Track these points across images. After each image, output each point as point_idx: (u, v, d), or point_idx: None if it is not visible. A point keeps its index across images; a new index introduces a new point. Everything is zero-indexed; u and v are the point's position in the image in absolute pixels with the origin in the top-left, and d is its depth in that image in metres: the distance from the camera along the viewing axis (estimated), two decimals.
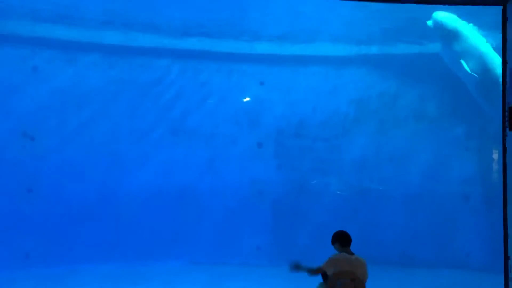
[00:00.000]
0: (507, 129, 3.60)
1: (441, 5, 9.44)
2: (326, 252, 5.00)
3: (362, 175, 11.35)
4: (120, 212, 11.02)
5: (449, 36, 10.37)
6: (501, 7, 3.77)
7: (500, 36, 3.83)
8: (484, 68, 10.24)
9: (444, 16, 10.31)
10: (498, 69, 9.37)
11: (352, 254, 4.88)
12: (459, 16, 10.41)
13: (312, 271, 4.88)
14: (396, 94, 11.46)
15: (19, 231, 10.27)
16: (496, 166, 10.65)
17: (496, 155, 10.70)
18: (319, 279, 5.01)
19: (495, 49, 10.19)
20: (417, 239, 10.84)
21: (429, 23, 10.36)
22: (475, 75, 10.16)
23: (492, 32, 10.07)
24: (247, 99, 11.81)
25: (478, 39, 10.41)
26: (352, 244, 4.98)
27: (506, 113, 3.62)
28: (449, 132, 11.13)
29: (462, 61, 10.21)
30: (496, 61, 9.97)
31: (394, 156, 11.26)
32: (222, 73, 11.59)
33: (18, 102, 10.44)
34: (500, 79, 4.07)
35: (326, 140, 11.62)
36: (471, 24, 10.43)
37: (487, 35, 10.40)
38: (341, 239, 4.92)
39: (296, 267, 4.89)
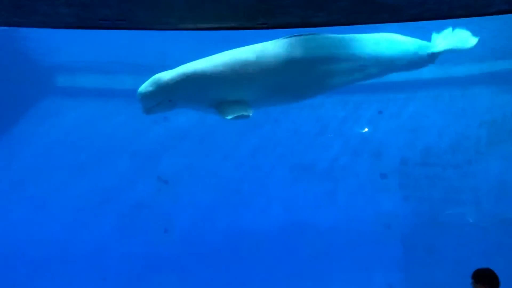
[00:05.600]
0: None
1: None
2: None
3: (502, 203, 8.97)
4: (246, 250, 10.15)
5: None
6: None
7: None
8: None
9: None
10: None
11: None
12: None
13: None
14: None
15: (156, 271, 9.93)
16: None
17: None
18: None
19: None
20: None
21: None
22: None
23: None
24: (366, 129, 10.25)
25: None
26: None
27: None
28: None
29: None
30: None
31: None
32: (337, 105, 10.27)
33: (150, 147, 10.33)
34: None
35: (457, 167, 9.54)
36: None
37: None
38: (488, 280, 3.64)
39: None
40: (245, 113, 5.20)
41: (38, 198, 9.93)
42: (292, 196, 10.38)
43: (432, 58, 6.05)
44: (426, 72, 9.74)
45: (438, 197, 9.81)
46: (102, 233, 9.95)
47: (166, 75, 5.15)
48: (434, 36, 6.07)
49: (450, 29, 6.16)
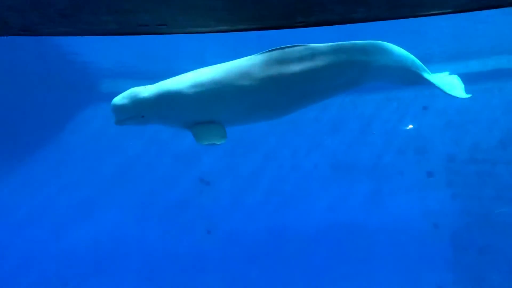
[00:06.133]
0: None
1: None
2: None
3: None
4: (290, 251, 10.11)
5: None
6: None
7: None
8: None
9: None
10: None
11: None
12: None
13: None
14: None
15: (200, 271, 10.07)
16: None
17: None
18: None
19: None
20: None
21: None
22: None
23: None
24: (410, 126, 9.99)
25: None
26: None
27: None
28: None
29: None
30: None
31: None
32: (379, 102, 10.06)
33: (191, 149, 10.47)
34: None
35: (508, 163, 9.15)
36: None
37: None
38: None
39: None
40: (218, 142, 4.96)
41: (85, 201, 10.25)
42: (335, 196, 10.24)
43: (420, 81, 5.55)
44: (474, 65, 9.41)
45: (488, 194, 9.44)
46: (146, 235, 10.16)
47: (142, 91, 4.91)
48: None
49: (447, 73, 5.81)
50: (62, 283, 9.54)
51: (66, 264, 9.72)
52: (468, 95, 5.46)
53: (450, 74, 5.75)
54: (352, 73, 5.25)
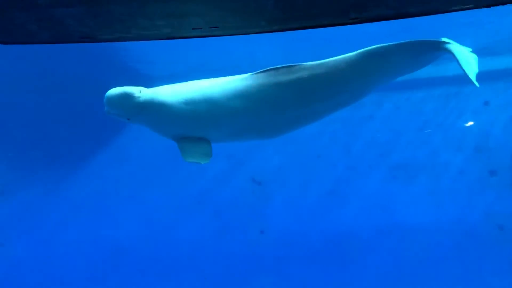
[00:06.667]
0: None
1: None
2: None
3: None
4: (344, 252, 9.98)
5: None
6: None
7: None
8: None
9: None
10: None
11: None
12: None
13: None
14: None
15: (254, 272, 10.14)
16: None
17: None
18: None
19: None
20: None
21: None
22: None
23: None
24: (471, 123, 9.60)
25: None
26: None
27: None
28: None
29: None
30: None
31: None
32: (437, 98, 9.73)
33: (243, 149, 10.57)
34: None
35: None
36: None
37: None
38: None
39: None
40: (202, 162, 4.89)
41: (140, 200, 10.58)
42: (391, 196, 10.00)
43: (438, 52, 5.08)
44: None
45: None
46: (199, 234, 10.34)
47: (135, 93, 4.81)
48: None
49: (470, 49, 5.32)
50: (118, 282, 9.89)
51: (122, 262, 10.07)
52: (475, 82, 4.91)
53: (472, 51, 5.39)
54: (353, 89, 5.01)
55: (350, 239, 10.13)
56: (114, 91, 4.86)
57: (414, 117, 10.14)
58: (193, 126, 4.93)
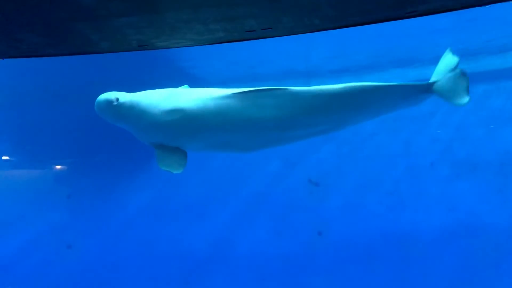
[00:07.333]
0: None
1: None
2: None
3: None
4: (406, 254, 9.72)
5: None
6: None
7: None
8: None
9: None
10: None
11: None
12: None
13: None
14: None
15: (313, 273, 10.10)
16: None
17: None
18: None
19: None
20: None
21: None
22: None
23: None
24: None
25: None
26: None
27: None
28: None
29: None
30: None
31: None
32: (503, 93, 9.29)
33: (299, 150, 10.57)
34: None
35: None
36: None
37: None
38: None
39: None
40: (175, 171, 4.86)
41: (199, 203, 10.80)
42: (455, 195, 9.63)
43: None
44: None
45: None
46: (257, 236, 10.41)
47: (114, 102, 4.91)
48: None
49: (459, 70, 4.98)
50: (183, 282, 10.14)
51: (185, 264, 10.31)
52: (467, 100, 4.82)
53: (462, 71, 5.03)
54: (331, 121, 4.98)
55: (412, 241, 9.85)
56: (100, 97, 5.03)
57: (477, 112, 9.71)
58: (167, 136, 4.98)
